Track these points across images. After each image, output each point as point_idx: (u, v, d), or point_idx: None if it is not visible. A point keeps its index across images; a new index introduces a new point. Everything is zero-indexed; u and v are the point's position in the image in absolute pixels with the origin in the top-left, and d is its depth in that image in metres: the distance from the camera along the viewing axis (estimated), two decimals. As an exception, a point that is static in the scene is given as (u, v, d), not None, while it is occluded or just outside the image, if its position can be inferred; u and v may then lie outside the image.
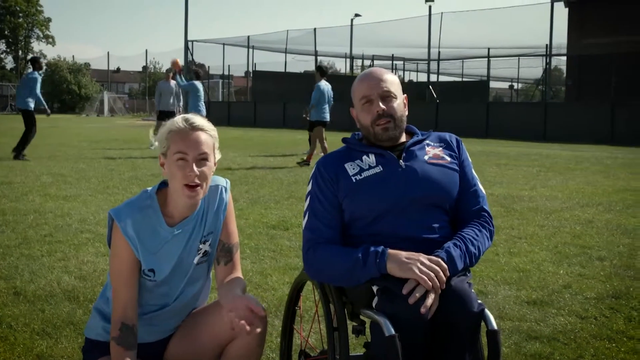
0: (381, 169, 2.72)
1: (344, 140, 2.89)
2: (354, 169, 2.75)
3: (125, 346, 2.57)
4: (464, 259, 2.54)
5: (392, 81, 2.81)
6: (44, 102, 15.61)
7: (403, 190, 2.66)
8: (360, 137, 2.90)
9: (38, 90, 15.39)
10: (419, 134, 2.91)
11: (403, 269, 2.42)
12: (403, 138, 2.86)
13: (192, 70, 19.06)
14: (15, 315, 4.33)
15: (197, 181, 2.55)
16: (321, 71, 16.04)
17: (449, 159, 2.82)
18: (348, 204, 2.70)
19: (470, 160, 2.91)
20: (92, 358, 2.71)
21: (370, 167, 2.74)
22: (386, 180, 2.69)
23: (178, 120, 2.61)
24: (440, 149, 2.85)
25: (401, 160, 2.74)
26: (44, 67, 18.53)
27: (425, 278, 2.37)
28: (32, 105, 15.50)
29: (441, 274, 2.41)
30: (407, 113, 2.86)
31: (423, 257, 2.45)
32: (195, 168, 2.55)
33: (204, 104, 17.39)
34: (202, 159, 2.58)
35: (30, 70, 16.03)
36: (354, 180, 2.71)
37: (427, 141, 2.87)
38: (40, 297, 4.72)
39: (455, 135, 2.97)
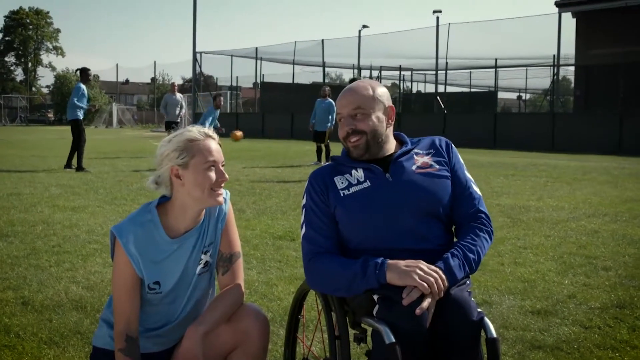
0: (369, 183, 2.74)
1: (332, 158, 2.92)
2: (342, 183, 2.78)
3: (132, 357, 2.60)
4: (463, 267, 2.56)
5: (366, 96, 2.79)
6: (82, 106, 15.93)
7: (391, 203, 2.68)
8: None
9: (76, 99, 15.77)
10: (408, 142, 2.91)
11: (402, 277, 2.45)
12: (392, 148, 2.87)
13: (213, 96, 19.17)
14: (23, 325, 4.37)
15: (223, 185, 2.69)
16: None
17: (437, 166, 2.82)
18: (338, 217, 2.74)
19: (462, 162, 2.91)
20: (100, 366, 2.75)
21: (358, 182, 2.76)
22: (374, 195, 2.71)
23: (194, 131, 2.68)
24: (429, 156, 2.85)
25: (387, 174, 2.76)
26: (91, 78, 18.76)
27: (425, 284, 2.40)
28: (80, 115, 15.84)
29: (439, 281, 2.44)
30: (388, 124, 2.84)
31: (422, 264, 2.48)
32: (224, 173, 2.67)
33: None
34: (223, 165, 2.70)
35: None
36: (342, 195, 2.74)
37: (416, 150, 2.88)
38: (48, 307, 4.76)
39: (445, 138, 2.97)
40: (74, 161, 15.55)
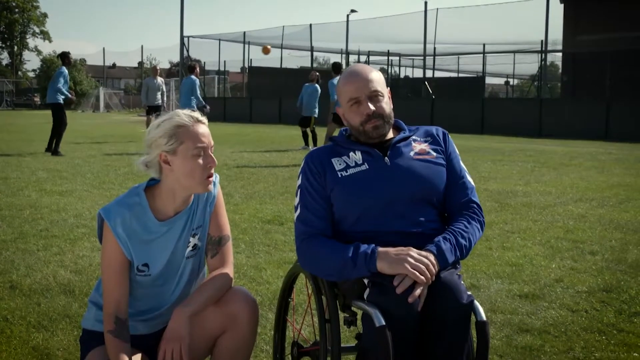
0: (367, 166, 2.76)
1: (331, 138, 2.93)
2: (340, 164, 2.78)
3: (122, 338, 2.60)
4: (455, 252, 2.58)
5: (378, 80, 2.81)
6: (65, 92, 15.83)
7: (388, 186, 2.70)
8: (349, 133, 2.93)
9: (60, 84, 15.67)
10: (406, 129, 2.93)
11: (393, 266, 2.45)
12: (390, 134, 2.88)
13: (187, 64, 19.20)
14: (12, 309, 4.37)
15: (213, 170, 2.67)
16: (336, 68, 16.65)
17: (434, 154, 2.84)
18: (335, 198, 2.74)
19: (457, 152, 2.94)
20: (90, 347, 2.73)
21: (356, 165, 2.77)
22: (371, 178, 2.72)
23: (183, 116, 2.64)
24: (427, 144, 2.88)
25: (386, 157, 2.77)
26: (72, 61, 18.52)
27: (417, 272, 2.41)
28: (60, 99, 15.78)
29: (431, 267, 2.45)
30: (392, 107, 2.89)
31: (413, 252, 2.48)
32: (214, 157, 2.66)
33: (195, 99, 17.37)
34: (213, 149, 2.68)
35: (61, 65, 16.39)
36: (340, 176, 2.75)
37: (414, 137, 2.90)
38: (36, 291, 4.75)
39: (442, 128, 3.00)
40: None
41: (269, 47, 17.60)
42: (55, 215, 7.54)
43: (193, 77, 17.31)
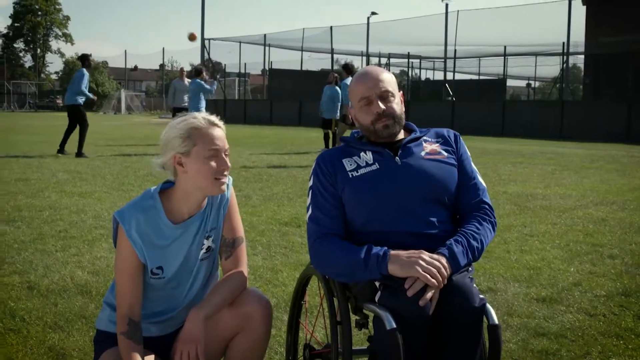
0: (378, 166, 2.76)
1: (342, 139, 2.94)
2: (351, 164, 2.79)
3: (135, 340, 2.61)
4: (467, 255, 2.56)
5: (389, 80, 2.83)
6: (87, 94, 15.98)
7: (399, 186, 2.69)
8: (360, 135, 2.94)
9: (83, 86, 15.75)
10: (417, 131, 2.94)
11: (405, 269, 2.44)
12: (401, 135, 2.88)
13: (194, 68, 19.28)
14: (29, 309, 4.39)
15: (227, 173, 2.67)
16: (347, 69, 16.60)
17: (446, 154, 2.84)
18: (346, 198, 2.74)
19: (469, 154, 2.93)
20: (103, 348, 2.74)
21: (367, 164, 2.77)
22: (382, 177, 2.72)
23: (199, 118, 2.66)
24: (438, 144, 2.88)
25: (397, 157, 2.77)
26: (92, 64, 18.60)
27: (428, 276, 2.39)
28: (80, 100, 15.89)
29: (443, 270, 2.43)
30: (404, 109, 2.89)
31: (424, 255, 2.47)
32: (227, 161, 2.66)
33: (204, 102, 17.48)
34: (227, 154, 2.68)
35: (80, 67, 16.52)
36: (351, 176, 2.75)
37: (425, 137, 2.90)
38: (53, 291, 4.78)
39: (453, 130, 2.99)
40: (69, 147, 15.59)
41: (195, 34, 17.88)
42: (74, 217, 7.58)
43: (198, 80, 17.42)
